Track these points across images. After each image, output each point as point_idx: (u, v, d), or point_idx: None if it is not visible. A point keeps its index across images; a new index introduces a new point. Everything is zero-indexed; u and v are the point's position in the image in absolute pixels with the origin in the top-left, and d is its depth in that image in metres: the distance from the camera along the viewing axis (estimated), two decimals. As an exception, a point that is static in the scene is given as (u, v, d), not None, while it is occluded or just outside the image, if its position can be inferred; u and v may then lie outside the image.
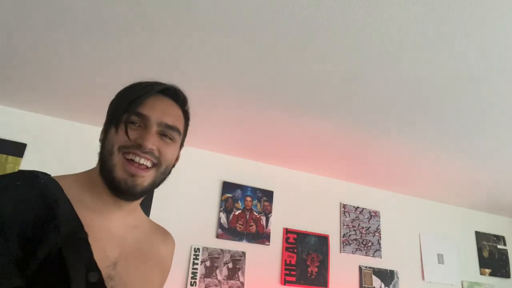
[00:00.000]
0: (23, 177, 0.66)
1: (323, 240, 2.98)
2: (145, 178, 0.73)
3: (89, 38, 1.60)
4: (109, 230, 0.72)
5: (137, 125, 0.74)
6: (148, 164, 0.73)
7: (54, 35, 1.59)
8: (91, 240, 0.65)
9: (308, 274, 2.84)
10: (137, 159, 0.72)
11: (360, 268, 3.03)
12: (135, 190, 0.72)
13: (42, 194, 0.64)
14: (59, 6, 1.42)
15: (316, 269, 2.88)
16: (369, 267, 3.06)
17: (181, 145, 0.84)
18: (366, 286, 2.99)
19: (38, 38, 1.62)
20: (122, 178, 0.71)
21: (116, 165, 0.71)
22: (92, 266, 0.64)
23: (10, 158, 2.23)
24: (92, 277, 0.63)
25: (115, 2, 1.38)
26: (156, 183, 0.77)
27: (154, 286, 0.80)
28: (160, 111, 0.76)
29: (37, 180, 0.67)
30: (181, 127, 0.82)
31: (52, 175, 0.73)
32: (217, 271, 2.55)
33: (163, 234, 0.92)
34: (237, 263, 2.62)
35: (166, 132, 0.76)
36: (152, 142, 0.73)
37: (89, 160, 2.62)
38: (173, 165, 0.82)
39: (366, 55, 1.58)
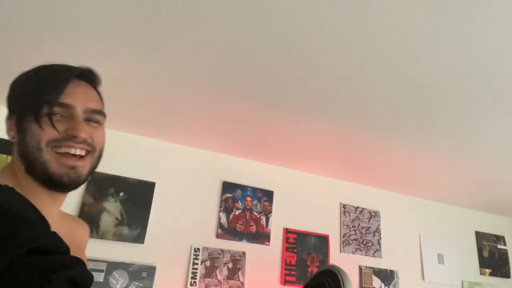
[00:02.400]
0: None
1: (323, 240, 2.98)
2: (84, 167, 0.72)
3: (86, 39, 1.60)
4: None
5: (60, 116, 0.70)
6: (83, 153, 0.72)
7: (52, 36, 1.59)
8: None
9: (308, 274, 2.84)
10: (72, 151, 0.70)
11: (360, 268, 3.03)
12: (79, 181, 0.71)
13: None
14: (55, 7, 1.42)
15: (316, 269, 2.88)
16: (369, 267, 3.06)
17: None
18: (366, 286, 2.99)
19: (37, 39, 1.62)
20: (62, 172, 0.69)
21: (49, 160, 0.68)
22: None
23: (10, 158, 2.23)
24: None
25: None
26: (93, 169, 0.77)
27: None
28: (82, 97, 0.73)
29: None
30: (103, 109, 0.79)
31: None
32: (217, 271, 2.55)
33: (81, 223, 0.91)
34: (237, 263, 2.62)
35: (92, 117, 0.75)
36: (85, 131, 0.71)
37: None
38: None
39: (366, 54, 1.58)
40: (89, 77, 0.79)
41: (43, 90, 0.70)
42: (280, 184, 2.98)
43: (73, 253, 0.69)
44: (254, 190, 2.87)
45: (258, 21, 1.43)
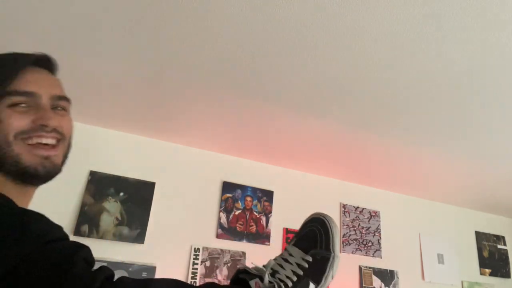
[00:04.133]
0: None
1: (323, 240, 2.98)
2: (58, 156, 0.71)
3: (86, 39, 1.61)
4: None
5: (24, 106, 0.67)
6: (54, 142, 0.69)
7: (52, 36, 1.59)
8: None
9: (308, 274, 2.84)
10: (43, 140, 0.67)
11: (360, 268, 3.03)
12: (54, 171, 0.70)
13: None
14: (55, 7, 1.42)
15: (316, 269, 2.88)
16: (369, 267, 3.06)
17: None
18: (366, 286, 2.99)
19: (36, 39, 1.62)
20: (36, 163, 0.66)
21: (21, 153, 0.65)
22: None
23: None
24: None
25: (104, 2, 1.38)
26: (65, 158, 0.75)
27: None
28: (45, 84, 0.70)
29: None
30: (66, 94, 0.77)
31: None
32: (217, 271, 2.55)
33: None
34: (237, 263, 2.62)
35: (58, 104, 0.72)
36: (55, 119, 0.69)
37: (88, 159, 2.60)
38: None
39: (367, 55, 1.58)
40: (47, 63, 0.76)
41: (1, 81, 0.66)
42: (280, 184, 2.98)
43: None
44: (254, 190, 2.87)
45: (258, 21, 1.43)
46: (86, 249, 0.59)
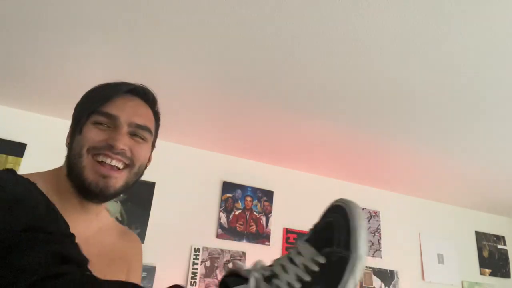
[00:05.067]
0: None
1: (323, 240, 2.98)
2: (118, 179, 0.72)
3: (86, 39, 1.60)
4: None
5: (105, 126, 0.72)
6: (120, 165, 0.72)
7: (53, 36, 1.59)
8: None
9: (308, 274, 2.84)
10: (108, 160, 0.70)
11: (360, 268, 3.02)
12: (107, 192, 0.71)
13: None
14: (57, 7, 1.42)
15: (316, 269, 2.88)
16: (369, 267, 3.06)
17: (153, 146, 0.83)
18: (366, 286, 2.99)
19: (38, 39, 1.62)
20: (93, 179, 0.69)
21: (85, 167, 0.69)
22: None
23: (10, 158, 2.23)
24: None
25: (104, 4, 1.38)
26: (129, 185, 0.75)
27: None
28: (129, 111, 0.74)
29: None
30: (152, 127, 0.80)
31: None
32: (217, 271, 2.55)
33: (127, 235, 0.89)
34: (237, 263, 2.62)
35: (136, 132, 0.75)
36: (124, 143, 0.72)
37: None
38: (145, 166, 0.80)
39: (366, 55, 1.58)
40: (142, 94, 0.80)
41: (93, 101, 0.73)
42: (280, 184, 2.98)
43: (106, 265, 0.70)
44: (254, 190, 2.87)
45: (258, 22, 1.43)
46: (67, 245, 0.53)
